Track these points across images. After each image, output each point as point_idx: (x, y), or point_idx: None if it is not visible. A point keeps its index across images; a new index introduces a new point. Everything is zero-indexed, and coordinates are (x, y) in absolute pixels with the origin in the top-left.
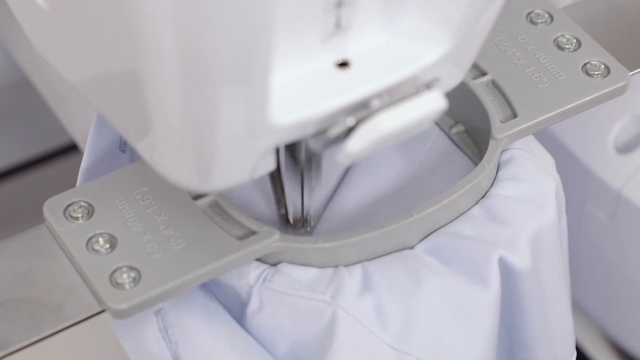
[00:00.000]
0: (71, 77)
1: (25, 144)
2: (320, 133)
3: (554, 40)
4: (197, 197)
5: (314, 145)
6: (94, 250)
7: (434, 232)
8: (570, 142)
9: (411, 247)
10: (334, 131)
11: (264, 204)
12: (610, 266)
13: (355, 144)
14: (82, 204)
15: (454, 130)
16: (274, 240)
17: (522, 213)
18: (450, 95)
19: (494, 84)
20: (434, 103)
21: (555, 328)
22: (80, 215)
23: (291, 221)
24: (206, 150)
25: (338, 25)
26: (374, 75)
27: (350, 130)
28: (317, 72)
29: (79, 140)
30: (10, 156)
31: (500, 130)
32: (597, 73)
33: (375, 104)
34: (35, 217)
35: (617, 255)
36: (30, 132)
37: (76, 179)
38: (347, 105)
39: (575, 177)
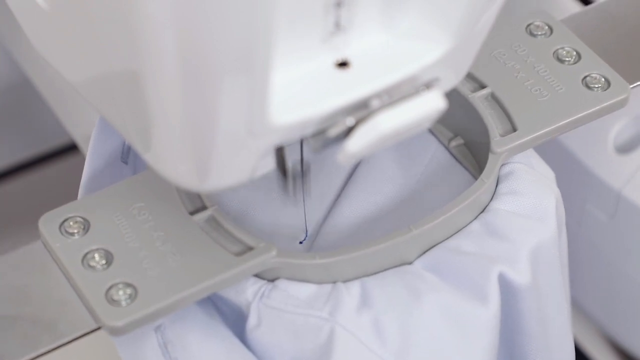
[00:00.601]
0: (71, 77)
1: (25, 144)
2: (320, 133)
3: (554, 53)
4: (194, 212)
5: (314, 145)
6: (89, 266)
7: (432, 247)
8: (570, 142)
9: (410, 263)
10: (334, 131)
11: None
12: (610, 266)
13: (355, 144)
14: (78, 219)
15: (453, 143)
16: (271, 256)
17: (522, 228)
18: (450, 108)
19: (494, 97)
20: (433, 103)
21: (555, 344)
22: (76, 231)
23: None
24: (206, 150)
25: (338, 25)
26: (374, 75)
27: (350, 130)
28: (317, 72)
29: (79, 141)
30: (10, 156)
31: (499, 144)
32: (597, 86)
33: (375, 104)
34: (35, 218)
35: (617, 255)
36: (30, 132)
37: (76, 179)
38: (347, 105)
39: (575, 177)
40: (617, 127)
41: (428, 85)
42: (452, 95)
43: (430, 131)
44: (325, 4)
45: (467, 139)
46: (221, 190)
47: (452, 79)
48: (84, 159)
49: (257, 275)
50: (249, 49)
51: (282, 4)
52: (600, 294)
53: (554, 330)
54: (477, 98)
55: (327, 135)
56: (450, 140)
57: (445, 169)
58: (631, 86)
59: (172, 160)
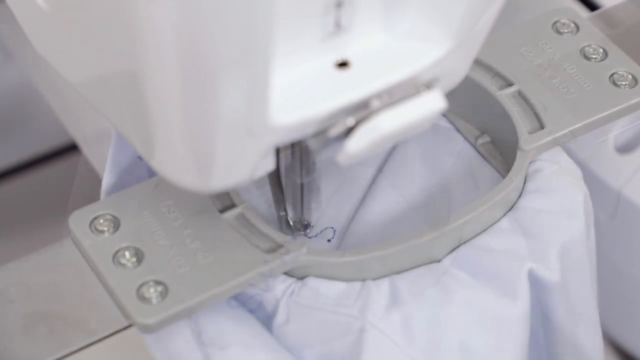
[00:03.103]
0: (71, 77)
1: (25, 144)
2: (320, 133)
3: (581, 50)
4: (224, 210)
5: (314, 145)
6: (120, 264)
7: (462, 245)
8: (570, 141)
9: (439, 261)
10: (334, 131)
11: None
12: (610, 266)
13: (355, 144)
14: (108, 216)
15: (480, 141)
16: (301, 253)
17: (551, 225)
18: (477, 106)
19: (521, 95)
20: (434, 103)
21: (584, 342)
22: (106, 229)
23: (291, 223)
24: (207, 150)
25: (338, 25)
26: (374, 75)
27: (350, 131)
28: (317, 72)
29: (79, 141)
30: (10, 156)
31: (528, 141)
32: (624, 83)
33: (375, 104)
34: (35, 218)
35: (617, 255)
36: (30, 132)
37: (76, 179)
38: (347, 106)
39: None
40: (617, 127)
41: (428, 85)
42: (479, 93)
43: (457, 129)
44: (326, 4)
45: (494, 136)
46: (222, 191)
47: (453, 79)
48: (84, 159)
49: (286, 273)
50: (249, 50)
51: (282, 4)
52: (600, 293)
53: (583, 327)
54: (505, 96)
55: (327, 136)
56: (477, 138)
57: (472, 166)
58: None
59: (172, 161)
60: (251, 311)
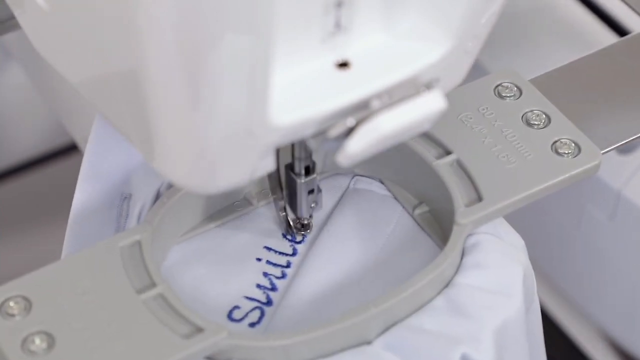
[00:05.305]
0: (72, 77)
1: (26, 144)
2: (320, 133)
3: (523, 116)
4: (142, 290)
5: (314, 145)
6: (30, 351)
7: (394, 324)
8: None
9: (369, 342)
10: (334, 131)
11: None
12: (610, 266)
13: (356, 145)
14: (19, 299)
15: (418, 210)
16: (222, 338)
17: (487, 304)
18: (414, 175)
19: (459, 164)
20: (434, 103)
21: None
22: (16, 312)
23: (291, 223)
24: (206, 151)
25: (338, 26)
26: (374, 75)
27: (350, 131)
28: (317, 73)
29: (79, 141)
30: (10, 156)
31: (464, 215)
32: (567, 152)
33: (375, 104)
34: (35, 218)
35: (617, 255)
36: (31, 132)
37: (76, 180)
38: (347, 106)
39: None
40: None
41: (428, 86)
42: (416, 162)
43: (395, 197)
44: (325, 4)
45: (432, 206)
46: (223, 191)
47: (453, 79)
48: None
49: (208, 357)
50: (249, 49)
51: (282, 4)
52: (600, 294)
53: None
54: (442, 165)
55: (327, 136)
56: (414, 207)
57: (410, 237)
58: (602, 151)
59: (174, 163)
60: None
